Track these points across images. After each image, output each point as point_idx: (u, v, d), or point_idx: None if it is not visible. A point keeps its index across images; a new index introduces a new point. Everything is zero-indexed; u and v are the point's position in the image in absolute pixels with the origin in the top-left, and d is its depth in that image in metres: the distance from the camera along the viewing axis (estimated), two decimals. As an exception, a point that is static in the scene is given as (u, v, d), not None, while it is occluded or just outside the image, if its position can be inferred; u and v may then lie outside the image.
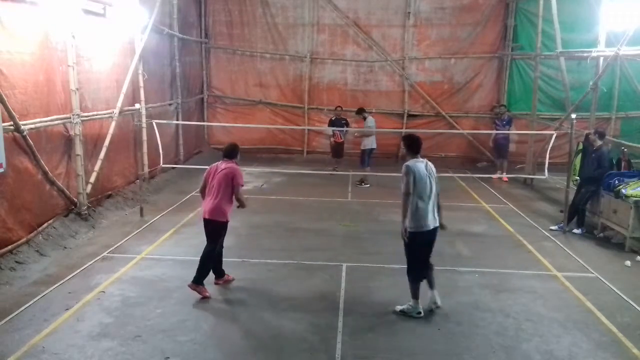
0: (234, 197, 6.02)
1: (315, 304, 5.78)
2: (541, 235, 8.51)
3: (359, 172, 12.13)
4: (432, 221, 5.36)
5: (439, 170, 5.13)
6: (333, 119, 13.01)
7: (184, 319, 5.34)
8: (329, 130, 13.05)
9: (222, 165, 6.10)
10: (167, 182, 11.52)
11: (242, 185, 6.09)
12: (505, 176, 12.78)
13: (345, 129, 12.61)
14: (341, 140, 12.75)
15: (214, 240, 6.03)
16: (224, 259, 6.32)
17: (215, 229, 6.01)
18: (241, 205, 6.11)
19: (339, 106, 13.21)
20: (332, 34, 15.07)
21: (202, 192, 6.21)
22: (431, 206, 5.34)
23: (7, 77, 6.42)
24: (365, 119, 11.91)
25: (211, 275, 6.14)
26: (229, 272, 6.42)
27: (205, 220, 6.03)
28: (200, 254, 6.01)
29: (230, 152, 6.22)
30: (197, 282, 5.86)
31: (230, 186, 5.96)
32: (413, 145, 5.46)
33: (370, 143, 11.89)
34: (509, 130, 12.88)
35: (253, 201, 6.31)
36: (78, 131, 8.03)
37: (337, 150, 12.91)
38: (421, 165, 5.35)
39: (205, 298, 5.82)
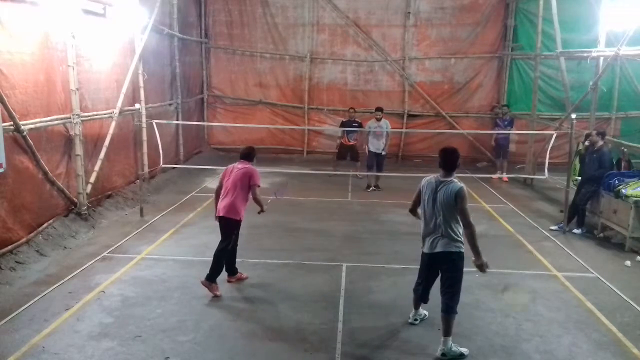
0: (249, 197, 6.07)
1: (315, 304, 5.78)
2: (541, 235, 8.51)
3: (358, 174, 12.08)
4: (433, 244, 4.86)
5: (439, 171, 4.98)
6: (344, 120, 12.57)
7: (184, 319, 5.34)
8: (339, 131, 12.75)
9: (238, 165, 6.13)
10: (167, 182, 11.52)
11: (259, 186, 6.10)
12: (505, 176, 12.79)
13: (358, 129, 11.99)
14: (351, 143, 12.18)
15: (227, 237, 6.07)
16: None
17: (228, 226, 6.05)
18: (260, 206, 6.19)
19: (352, 108, 12.66)
20: (332, 34, 15.07)
21: (217, 193, 6.23)
22: (433, 229, 4.85)
23: (7, 77, 6.42)
24: (380, 119, 11.31)
25: (224, 274, 6.17)
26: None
27: (219, 217, 6.10)
28: (213, 252, 6.07)
29: (247, 155, 6.22)
30: (210, 279, 5.89)
31: (247, 186, 6.01)
32: (440, 160, 4.90)
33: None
34: (510, 130, 12.88)
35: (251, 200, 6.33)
36: (78, 131, 8.03)
37: (345, 153, 12.35)
38: (432, 184, 4.88)
39: (215, 297, 5.84)
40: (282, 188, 6.23)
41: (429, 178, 4.95)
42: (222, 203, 6.05)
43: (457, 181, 4.79)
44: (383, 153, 11.41)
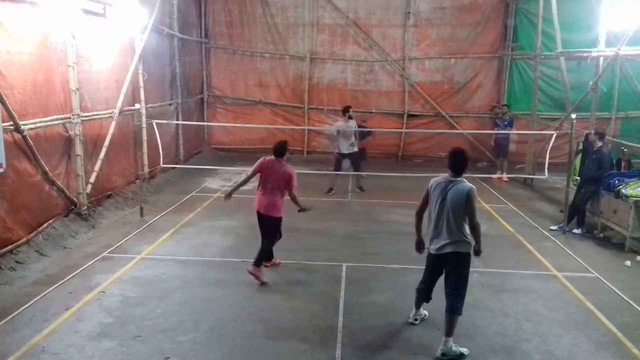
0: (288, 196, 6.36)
1: (315, 304, 5.78)
2: (541, 235, 8.51)
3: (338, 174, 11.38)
4: (441, 246, 4.84)
5: (439, 171, 4.98)
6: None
7: (184, 319, 5.34)
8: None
9: (276, 164, 6.34)
10: (167, 182, 11.52)
11: (296, 186, 6.37)
12: (505, 176, 12.78)
13: (362, 128, 12.05)
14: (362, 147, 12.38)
15: (272, 234, 6.44)
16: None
17: (272, 223, 6.39)
18: (298, 205, 6.41)
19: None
20: (332, 33, 15.08)
21: (248, 178, 6.59)
22: (441, 230, 4.84)
23: (5, 77, 6.41)
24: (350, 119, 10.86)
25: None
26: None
27: (260, 214, 6.41)
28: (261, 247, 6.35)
29: (280, 150, 6.45)
30: (258, 264, 6.21)
31: (286, 187, 6.31)
32: (449, 162, 4.90)
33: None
34: (509, 130, 12.88)
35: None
36: (78, 131, 8.03)
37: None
38: (441, 184, 4.87)
39: (263, 284, 6.14)
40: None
41: (438, 178, 4.95)
42: (264, 201, 6.32)
43: (466, 181, 4.83)
44: (354, 151, 10.79)
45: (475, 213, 4.75)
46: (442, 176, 4.93)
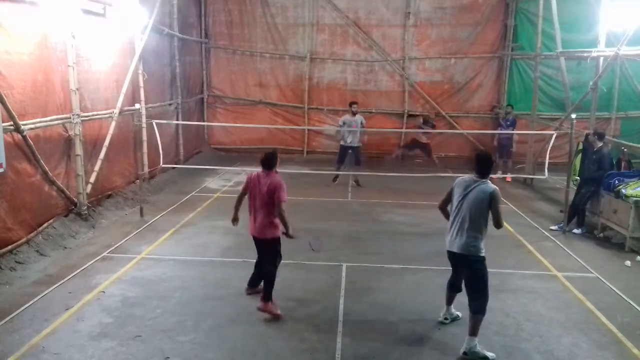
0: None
1: (315, 304, 5.78)
2: (541, 235, 8.51)
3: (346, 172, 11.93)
4: (452, 243, 4.94)
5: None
6: (421, 121, 14.08)
7: (184, 319, 5.34)
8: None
9: (263, 178, 5.49)
10: (167, 182, 11.51)
11: (285, 201, 5.43)
12: (509, 176, 12.75)
13: (431, 131, 13.57)
14: (426, 142, 13.65)
15: (274, 257, 5.63)
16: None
17: (267, 246, 5.61)
18: (285, 227, 5.50)
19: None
20: (332, 33, 15.08)
21: (239, 199, 5.80)
22: (454, 227, 4.92)
23: (5, 77, 6.41)
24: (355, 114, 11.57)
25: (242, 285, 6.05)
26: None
27: (255, 238, 5.65)
28: (265, 272, 5.68)
29: (269, 162, 5.53)
30: (268, 298, 5.47)
31: (273, 200, 5.41)
32: (475, 165, 4.94)
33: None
34: (512, 130, 12.88)
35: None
36: (78, 131, 8.03)
37: (414, 147, 14.05)
38: (465, 183, 4.92)
39: (276, 316, 5.43)
40: (318, 240, 6.04)
41: (464, 177, 5.01)
42: (255, 223, 5.53)
43: (490, 182, 4.87)
44: (358, 145, 11.54)
45: (500, 214, 4.80)
46: (467, 175, 4.99)
